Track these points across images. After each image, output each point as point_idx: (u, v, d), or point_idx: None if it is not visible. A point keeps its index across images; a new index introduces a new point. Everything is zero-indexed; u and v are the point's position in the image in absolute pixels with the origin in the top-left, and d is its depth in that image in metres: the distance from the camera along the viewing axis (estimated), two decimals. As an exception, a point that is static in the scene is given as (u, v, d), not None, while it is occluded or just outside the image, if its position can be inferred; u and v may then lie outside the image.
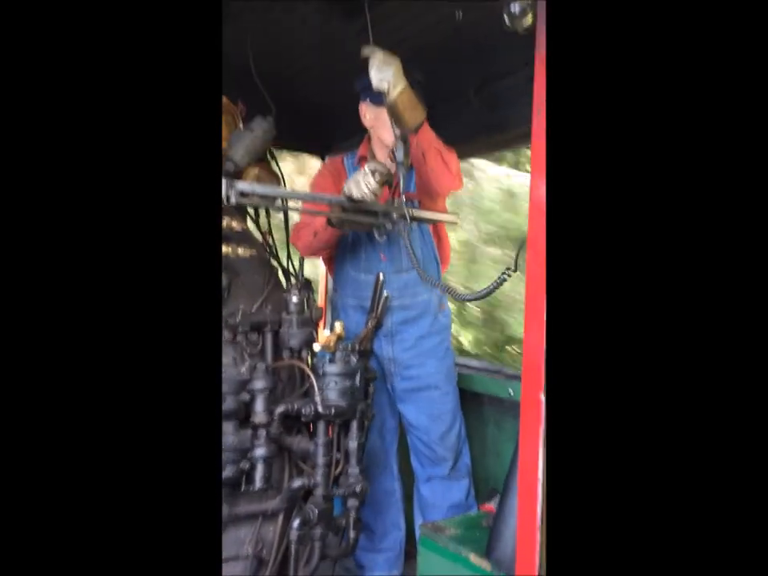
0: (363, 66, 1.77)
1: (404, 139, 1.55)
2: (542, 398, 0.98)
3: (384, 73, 1.55)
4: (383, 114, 1.77)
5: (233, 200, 1.41)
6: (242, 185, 1.43)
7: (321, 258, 2.23)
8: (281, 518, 1.78)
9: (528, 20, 1.41)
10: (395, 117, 1.60)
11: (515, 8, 1.43)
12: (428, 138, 1.72)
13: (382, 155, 1.96)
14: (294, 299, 1.71)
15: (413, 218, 1.65)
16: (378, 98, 1.73)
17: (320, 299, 2.93)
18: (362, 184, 1.58)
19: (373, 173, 1.57)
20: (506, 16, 1.45)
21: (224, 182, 1.42)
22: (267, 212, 2.01)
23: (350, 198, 1.61)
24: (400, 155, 1.52)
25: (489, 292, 1.30)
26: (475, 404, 2.18)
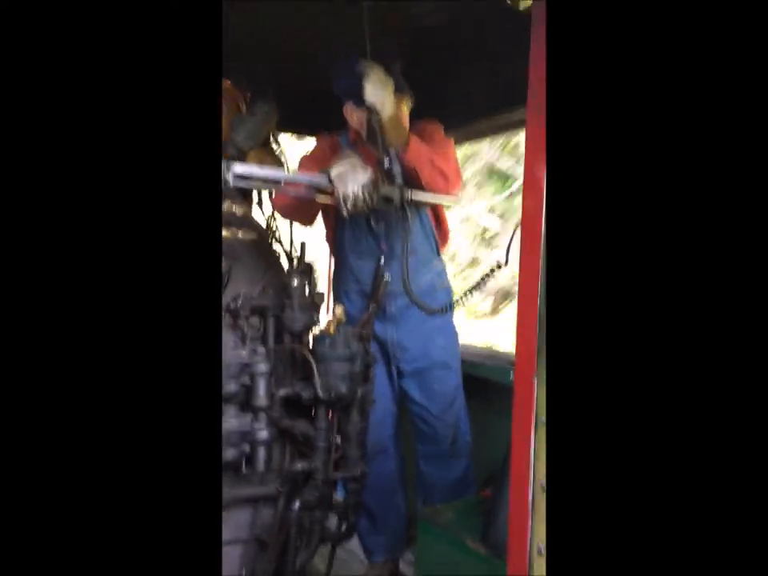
0: (339, 67, 1.82)
1: (395, 157, 1.60)
2: (535, 381, 0.97)
3: (379, 91, 1.62)
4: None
5: (230, 183, 1.41)
6: (240, 167, 1.43)
7: (327, 241, 2.22)
8: (281, 501, 1.80)
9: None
10: (382, 134, 1.65)
11: None
12: (417, 152, 1.72)
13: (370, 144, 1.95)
14: (295, 283, 1.70)
15: (413, 202, 1.65)
16: (360, 99, 1.75)
17: (326, 284, 2.93)
18: (350, 204, 1.61)
19: (363, 198, 1.60)
20: None
21: (222, 164, 1.41)
22: (270, 196, 2.01)
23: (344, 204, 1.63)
24: (399, 178, 1.56)
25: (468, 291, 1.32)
26: (477, 390, 2.18)
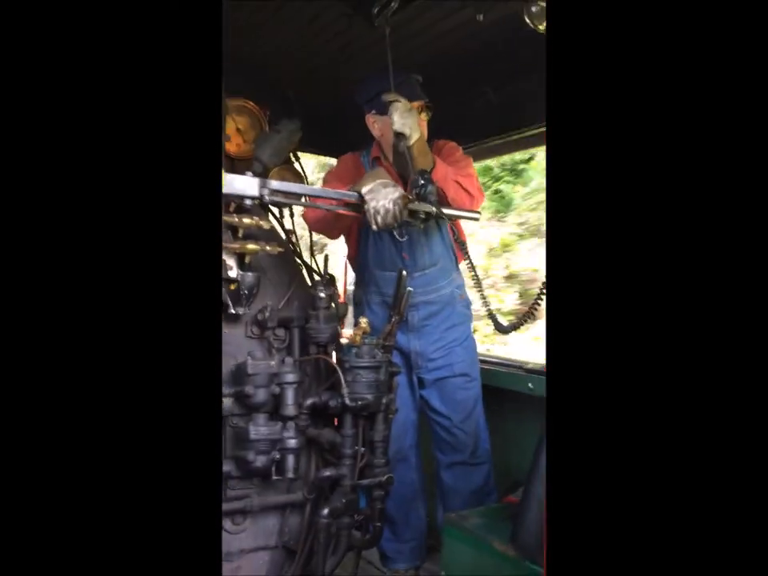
0: (362, 78, 1.93)
1: (428, 179, 1.67)
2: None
3: (406, 119, 1.72)
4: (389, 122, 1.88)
5: (266, 198, 1.46)
6: (275, 183, 1.48)
7: (346, 256, 2.28)
8: (308, 508, 1.83)
9: None
10: (410, 159, 1.75)
11: (535, 7, 1.48)
12: (443, 174, 1.82)
13: (391, 157, 2.04)
14: (322, 295, 1.75)
15: (437, 216, 1.70)
16: (383, 107, 1.83)
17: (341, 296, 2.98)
18: (380, 219, 1.67)
19: (393, 214, 1.66)
20: (526, 15, 1.51)
21: (257, 180, 1.47)
22: (291, 211, 2.06)
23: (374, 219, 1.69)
24: (432, 197, 1.64)
25: (527, 316, 1.36)
26: (496, 399, 2.22)
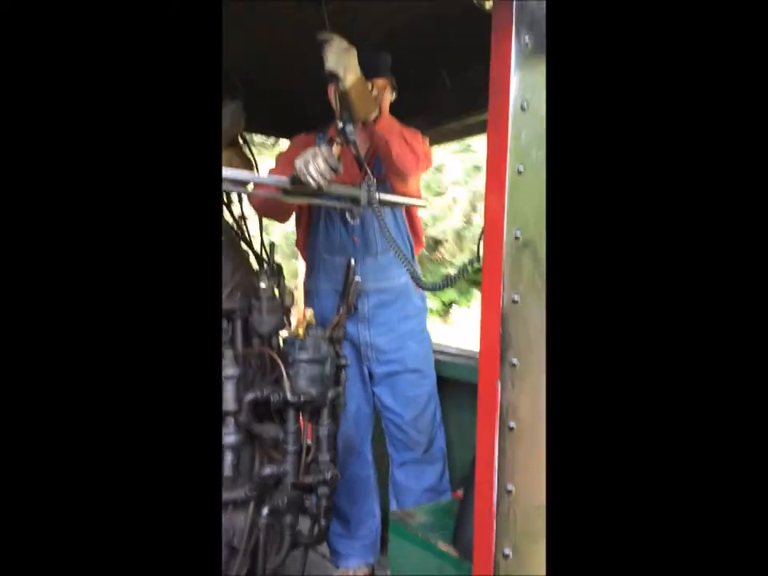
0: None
1: (349, 119, 1.55)
2: (498, 386, 0.96)
3: (341, 59, 1.54)
4: None
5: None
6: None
7: (297, 246, 2.19)
8: (251, 506, 1.77)
9: None
10: (347, 105, 1.58)
11: None
12: (389, 125, 1.71)
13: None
14: (263, 285, 1.68)
15: (382, 202, 1.63)
16: None
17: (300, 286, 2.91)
18: (312, 169, 1.56)
19: (323, 157, 1.55)
20: None
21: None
22: (239, 197, 1.97)
23: (297, 180, 1.59)
24: (352, 136, 1.50)
25: (452, 281, 1.28)
26: (451, 390, 2.17)
